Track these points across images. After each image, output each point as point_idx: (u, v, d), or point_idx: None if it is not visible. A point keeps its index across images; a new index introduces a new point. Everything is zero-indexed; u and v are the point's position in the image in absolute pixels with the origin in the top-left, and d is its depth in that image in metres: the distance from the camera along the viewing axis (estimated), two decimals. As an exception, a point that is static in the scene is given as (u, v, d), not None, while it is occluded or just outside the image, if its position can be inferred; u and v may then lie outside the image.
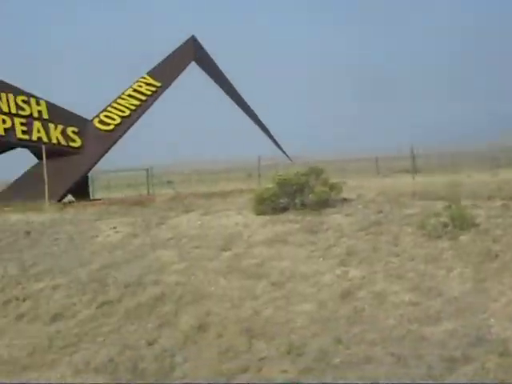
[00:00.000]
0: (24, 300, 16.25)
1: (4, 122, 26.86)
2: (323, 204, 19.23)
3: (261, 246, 17.03)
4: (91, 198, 31.05)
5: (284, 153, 33.92)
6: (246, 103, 32.16)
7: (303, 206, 19.29)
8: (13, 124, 27.00)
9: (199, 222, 19.38)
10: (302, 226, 17.86)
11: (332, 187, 19.84)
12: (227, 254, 16.83)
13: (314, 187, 19.55)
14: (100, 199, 29.54)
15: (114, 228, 20.01)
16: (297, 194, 19.57)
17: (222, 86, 31.05)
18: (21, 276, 17.48)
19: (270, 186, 20.25)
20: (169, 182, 55.57)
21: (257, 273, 15.68)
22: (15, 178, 28.87)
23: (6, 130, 26.89)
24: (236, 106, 31.59)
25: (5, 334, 14.89)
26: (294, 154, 36.45)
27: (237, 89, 31.99)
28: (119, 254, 18.05)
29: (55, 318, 15.18)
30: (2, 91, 27.22)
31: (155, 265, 16.88)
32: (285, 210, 19.30)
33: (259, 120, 32.66)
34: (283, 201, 19.55)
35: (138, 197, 28.18)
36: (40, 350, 13.93)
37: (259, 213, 19.10)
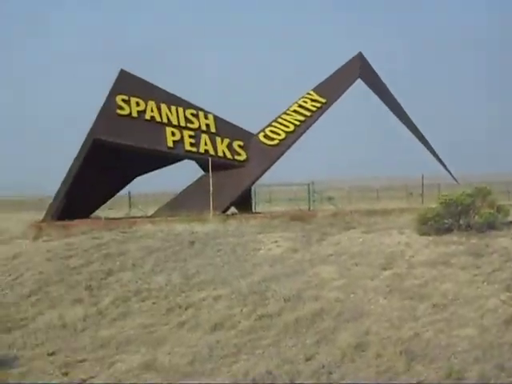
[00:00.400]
0: (186, 308, 16.68)
1: (173, 134, 27.72)
2: (489, 226, 18.69)
3: (423, 266, 16.73)
4: (253, 210, 31.49)
5: (449, 172, 33.13)
6: (410, 120, 31.72)
7: (468, 227, 18.81)
8: (181, 136, 27.81)
9: (360, 240, 19.27)
10: (467, 248, 17.42)
11: (499, 209, 19.25)
12: (388, 273, 16.64)
13: (479, 209, 19.03)
14: (261, 212, 29.92)
15: (276, 242, 20.22)
16: (462, 215, 19.09)
17: (386, 103, 30.72)
18: (184, 285, 17.97)
19: (434, 205, 19.87)
20: (329, 198, 55.57)
21: (418, 294, 15.41)
22: (182, 189, 29.72)
23: (174, 142, 27.71)
24: (400, 123, 31.18)
25: (166, 341, 15.29)
26: (457, 174, 35.48)
27: (402, 105, 31.62)
28: (280, 267, 18.21)
29: (215, 327, 15.46)
30: (173, 104, 28.12)
31: (315, 280, 16.91)
32: (449, 231, 18.89)
33: (424, 137, 32.09)
34: (447, 221, 19.15)
35: (298, 211, 28.34)
36: (200, 358, 14.20)
37: (422, 233, 18.79)
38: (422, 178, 46.97)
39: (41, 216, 28.82)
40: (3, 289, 19.91)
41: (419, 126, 32.10)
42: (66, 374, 14.25)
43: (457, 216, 19.09)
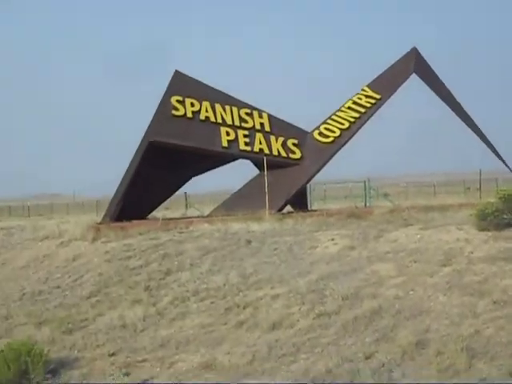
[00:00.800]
0: (244, 308, 16.71)
1: (228, 134, 27.83)
2: (550, 221, 18.38)
3: (482, 262, 16.50)
4: (309, 208, 31.45)
5: (507, 166, 32.60)
6: (467, 115, 31.30)
7: (528, 222, 18.52)
8: (236, 136, 27.90)
9: (418, 236, 19.10)
10: (527, 243, 17.14)
11: (559, 203, 18.91)
12: (447, 269, 16.45)
13: (540, 203, 18.71)
14: (317, 210, 29.86)
15: (332, 240, 20.16)
16: (521, 210, 18.81)
17: (443, 99, 30.35)
18: (242, 284, 18.03)
19: (492, 200, 19.59)
20: (385, 195, 55.23)
21: (478, 290, 15.18)
22: (238, 188, 29.83)
23: (229, 141, 27.82)
24: (458, 120, 30.76)
25: (225, 340, 15.35)
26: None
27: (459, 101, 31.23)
28: (337, 265, 18.15)
29: (274, 326, 15.44)
30: (227, 104, 28.23)
31: (373, 278, 16.80)
32: (508, 226, 18.60)
33: (481, 132, 31.65)
34: (506, 217, 18.84)
35: (355, 209, 28.21)
36: (259, 357, 14.21)
37: (481, 228, 18.54)
38: (480, 172, 46.36)
39: (99, 218, 29.22)
40: (64, 290, 20.24)
41: (477, 121, 31.67)
42: (127, 375, 14.41)
43: (516, 211, 18.80)
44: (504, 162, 32.14)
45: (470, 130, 31.23)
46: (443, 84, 31.10)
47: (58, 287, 20.61)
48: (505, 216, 18.80)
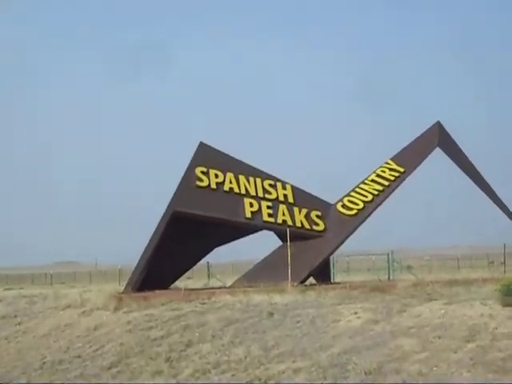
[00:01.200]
0: (266, 381, 16.57)
1: (251, 205, 27.95)
2: None
3: (507, 338, 16.30)
4: (332, 281, 31.29)
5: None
6: (491, 189, 31.25)
7: (553, 298, 18.30)
8: (259, 207, 28.01)
9: (442, 311, 18.92)
10: (553, 319, 16.93)
11: None
12: (471, 345, 16.25)
13: None
14: (340, 283, 29.71)
15: (356, 313, 20.02)
16: (546, 285, 18.60)
17: (467, 173, 30.36)
18: (263, 357, 17.89)
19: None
20: (408, 267, 54.85)
21: (502, 367, 14.98)
22: (260, 258, 29.80)
23: (252, 213, 27.93)
24: (481, 193, 30.72)
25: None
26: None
27: (482, 174, 31.22)
28: (360, 339, 17.98)
29: (296, 400, 15.28)
30: (251, 175, 28.44)
31: (396, 353, 16.61)
32: (533, 301, 18.40)
33: (505, 206, 31.54)
34: (531, 292, 18.65)
35: (378, 282, 28.04)
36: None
37: (505, 304, 18.34)
38: (504, 246, 46.10)
39: (121, 287, 29.25)
40: (84, 360, 20.19)
41: (500, 195, 31.60)
42: None
43: (542, 286, 18.61)
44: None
45: (495, 205, 31.15)
46: (466, 157, 31.16)
47: (79, 357, 20.57)
48: (530, 292, 18.62)
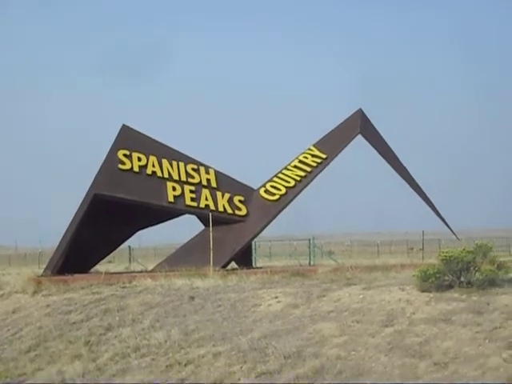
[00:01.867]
0: (186, 365, 16.55)
1: (174, 189, 27.84)
2: (490, 283, 18.62)
3: (424, 323, 16.62)
4: (254, 265, 31.45)
5: (450, 229, 33.10)
6: (411, 177, 31.82)
7: (469, 284, 18.74)
8: (182, 191, 27.91)
9: (361, 296, 19.19)
10: (467, 305, 17.32)
11: (500, 266, 19.22)
12: (389, 330, 16.53)
13: (480, 265, 18.98)
14: (261, 267, 29.88)
15: (276, 298, 20.15)
16: (462, 272, 19.04)
17: (387, 160, 30.83)
18: (183, 341, 17.86)
19: (434, 262, 19.84)
20: (329, 253, 55.62)
21: (419, 351, 15.27)
22: (182, 243, 29.75)
23: (175, 197, 27.82)
24: (402, 180, 31.24)
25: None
26: (457, 229, 35.51)
27: (403, 162, 31.76)
28: (279, 323, 18.12)
29: (214, 385, 15.33)
30: (174, 159, 28.31)
31: (315, 337, 16.79)
32: (449, 287, 18.81)
33: (424, 194, 32.17)
34: (448, 278, 19.07)
35: (299, 267, 28.29)
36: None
37: (423, 289, 18.72)
38: (423, 233, 47.03)
39: (41, 270, 28.81)
40: (2, 344, 19.84)
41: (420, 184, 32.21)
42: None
43: (458, 273, 19.02)
44: (447, 224, 32.65)
45: (414, 192, 31.72)
46: (388, 146, 31.65)
47: (-4, 340, 20.20)
48: (446, 278, 19.02)
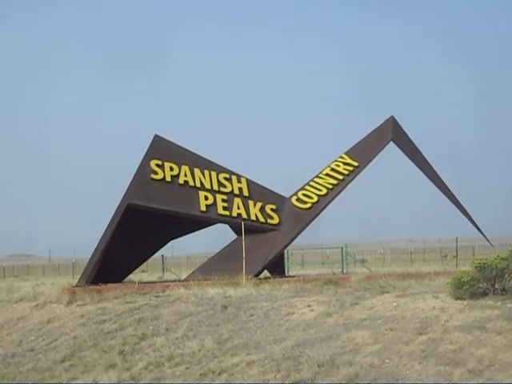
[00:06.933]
0: (219, 374, 16.60)
1: (206, 198, 27.92)
2: (524, 290, 18.47)
3: (458, 331, 16.52)
4: (286, 274, 31.42)
5: (484, 235, 32.80)
6: (444, 184, 31.59)
7: (503, 291, 18.59)
8: (214, 200, 27.99)
9: (395, 304, 19.12)
10: (502, 312, 17.18)
11: (534, 273, 19.04)
12: (423, 338, 16.44)
13: (515, 272, 18.83)
14: (294, 276, 29.85)
15: (309, 306, 20.14)
16: (497, 279, 18.89)
17: (419, 167, 30.64)
18: (217, 349, 17.91)
19: (469, 269, 19.70)
20: (362, 261, 55.39)
21: (453, 359, 15.18)
22: (215, 252, 29.80)
23: (207, 206, 27.90)
24: (434, 187, 31.03)
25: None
26: (492, 236, 35.23)
27: (435, 169, 31.54)
28: (313, 332, 18.10)
29: (250, 393, 15.34)
30: (206, 168, 28.41)
31: (349, 345, 16.75)
32: (484, 295, 18.68)
33: (457, 201, 31.93)
34: (482, 286, 18.94)
35: (332, 275, 28.22)
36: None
37: (457, 297, 18.60)
38: (457, 240, 46.72)
39: (75, 280, 29.04)
40: (37, 353, 20.02)
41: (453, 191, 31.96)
42: None
43: (492, 280, 18.89)
44: (480, 231, 32.37)
45: (447, 199, 31.48)
46: (420, 152, 31.45)
47: (32, 350, 20.41)
48: (480, 285, 18.89)
